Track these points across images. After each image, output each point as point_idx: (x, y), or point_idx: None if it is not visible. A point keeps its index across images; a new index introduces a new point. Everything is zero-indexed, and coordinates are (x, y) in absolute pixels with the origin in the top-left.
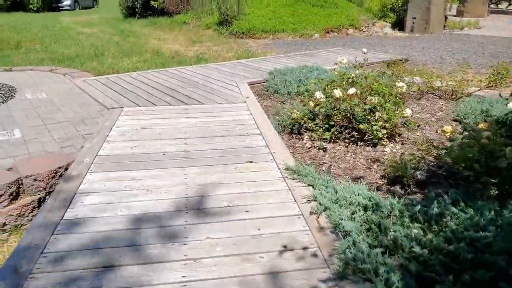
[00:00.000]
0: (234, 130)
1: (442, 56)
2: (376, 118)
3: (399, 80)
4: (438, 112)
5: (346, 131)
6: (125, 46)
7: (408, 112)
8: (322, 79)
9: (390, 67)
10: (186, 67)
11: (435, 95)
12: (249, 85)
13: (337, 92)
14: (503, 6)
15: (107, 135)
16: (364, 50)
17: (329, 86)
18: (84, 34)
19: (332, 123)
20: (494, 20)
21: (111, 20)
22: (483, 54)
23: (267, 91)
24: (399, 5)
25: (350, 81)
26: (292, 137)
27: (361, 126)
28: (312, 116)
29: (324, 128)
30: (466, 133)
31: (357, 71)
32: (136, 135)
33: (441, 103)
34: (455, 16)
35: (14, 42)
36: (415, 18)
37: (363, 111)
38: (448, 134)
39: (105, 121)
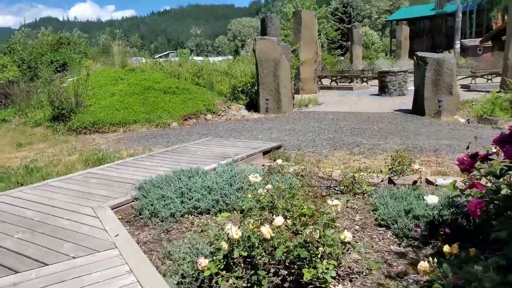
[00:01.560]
0: None
1: (310, 138)
2: (319, 254)
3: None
4: (355, 216)
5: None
6: None
7: (348, 235)
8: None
9: (271, 157)
10: (9, 192)
11: (336, 189)
12: (113, 209)
13: (266, 231)
14: (326, 82)
15: None
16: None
17: (245, 219)
18: None
19: (262, 272)
20: (325, 96)
21: None
22: (344, 132)
23: (140, 214)
24: (249, 88)
25: (268, 203)
26: None
27: (306, 274)
28: (227, 264)
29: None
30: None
31: (269, 186)
32: None
33: (350, 201)
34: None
35: None
36: (267, 99)
37: (301, 250)
38: (428, 273)
39: None
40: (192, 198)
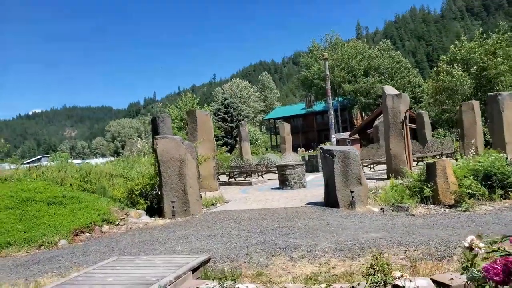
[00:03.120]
0: None
1: (238, 244)
2: None
3: None
4: None
5: None
6: None
7: None
8: None
9: (202, 274)
10: None
11: None
12: None
13: None
14: (223, 178)
15: None
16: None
17: None
18: None
19: None
20: (228, 192)
21: None
22: (271, 232)
23: None
24: (148, 190)
25: None
26: None
27: None
28: None
29: None
30: None
31: None
32: None
33: None
34: None
35: None
36: (174, 202)
37: None
38: None
39: None
40: None
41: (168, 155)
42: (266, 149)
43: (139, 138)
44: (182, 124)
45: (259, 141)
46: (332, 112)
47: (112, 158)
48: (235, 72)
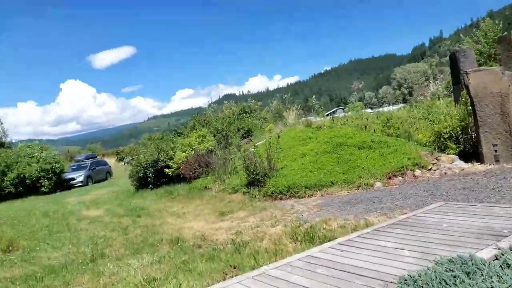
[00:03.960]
0: None
1: None
2: None
3: None
4: None
5: None
6: (135, 233)
7: None
8: None
9: None
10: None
11: None
12: None
13: None
14: None
15: None
16: None
17: None
18: (86, 220)
19: None
20: None
21: (122, 195)
22: None
23: None
24: (458, 133)
25: None
26: None
27: None
28: None
29: None
30: None
31: None
32: None
33: None
34: None
35: (5, 241)
36: (495, 145)
37: None
38: None
39: None
40: None
41: (484, 90)
42: None
43: (429, 82)
44: (482, 59)
45: None
46: None
47: (402, 105)
48: None
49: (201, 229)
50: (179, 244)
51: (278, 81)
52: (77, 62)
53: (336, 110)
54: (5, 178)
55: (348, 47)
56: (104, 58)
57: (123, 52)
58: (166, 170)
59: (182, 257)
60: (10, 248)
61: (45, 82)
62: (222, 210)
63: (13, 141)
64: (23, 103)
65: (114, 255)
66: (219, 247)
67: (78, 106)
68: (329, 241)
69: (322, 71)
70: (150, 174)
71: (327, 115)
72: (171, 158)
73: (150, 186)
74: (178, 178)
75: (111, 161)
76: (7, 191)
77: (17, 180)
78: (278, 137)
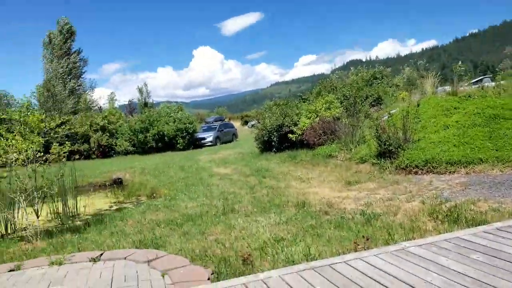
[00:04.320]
0: None
1: None
2: None
3: None
4: None
5: None
6: (261, 193)
7: None
8: None
9: None
10: (358, 256)
11: None
12: None
13: None
14: None
15: None
16: None
17: None
18: (216, 177)
19: None
20: None
21: (247, 156)
22: None
23: None
24: None
25: None
26: None
27: None
28: None
29: None
30: None
31: None
32: None
33: None
34: None
35: (150, 188)
36: None
37: None
38: None
39: None
40: None
41: None
42: None
43: None
44: None
45: None
46: None
47: None
48: None
49: (327, 196)
50: (305, 208)
51: (412, 46)
52: (205, 29)
53: (483, 78)
54: (148, 134)
55: (502, 7)
56: (232, 24)
57: (251, 19)
58: (290, 135)
59: (309, 221)
60: (154, 194)
61: (180, 48)
62: (348, 179)
63: (154, 102)
64: (162, 68)
65: (243, 211)
66: (347, 216)
67: (208, 72)
68: (480, 225)
69: (466, 34)
70: (275, 138)
71: (472, 83)
72: (295, 124)
73: (274, 149)
74: (301, 144)
75: (236, 124)
76: (149, 145)
77: (157, 137)
78: (418, 105)
